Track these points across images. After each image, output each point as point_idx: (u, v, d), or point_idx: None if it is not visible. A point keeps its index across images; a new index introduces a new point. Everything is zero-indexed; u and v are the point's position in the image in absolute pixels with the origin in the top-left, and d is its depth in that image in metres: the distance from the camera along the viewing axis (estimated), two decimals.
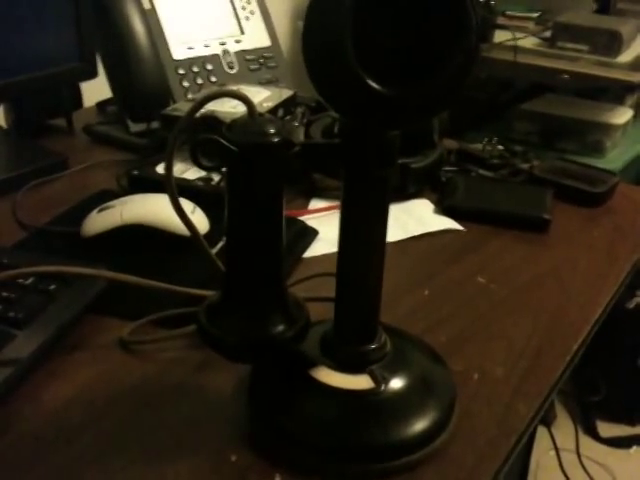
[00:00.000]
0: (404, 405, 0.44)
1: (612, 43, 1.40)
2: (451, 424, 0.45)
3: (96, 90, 0.94)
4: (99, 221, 0.63)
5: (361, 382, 0.43)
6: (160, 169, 0.74)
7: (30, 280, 0.53)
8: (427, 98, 0.34)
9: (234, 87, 0.86)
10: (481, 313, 0.59)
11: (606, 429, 1.58)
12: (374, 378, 0.43)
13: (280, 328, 0.42)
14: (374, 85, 0.32)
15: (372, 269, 0.43)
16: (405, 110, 0.34)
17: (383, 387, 0.43)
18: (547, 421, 1.53)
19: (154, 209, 0.63)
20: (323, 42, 0.33)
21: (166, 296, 0.54)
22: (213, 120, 0.69)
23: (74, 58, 0.85)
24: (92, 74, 0.87)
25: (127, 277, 0.54)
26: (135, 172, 0.75)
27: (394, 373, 0.44)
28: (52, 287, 0.52)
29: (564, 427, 1.56)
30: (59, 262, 0.54)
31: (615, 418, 1.60)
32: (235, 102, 0.74)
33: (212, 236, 0.61)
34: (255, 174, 0.39)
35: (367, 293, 0.44)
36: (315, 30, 0.33)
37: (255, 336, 0.42)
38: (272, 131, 0.39)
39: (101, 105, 0.99)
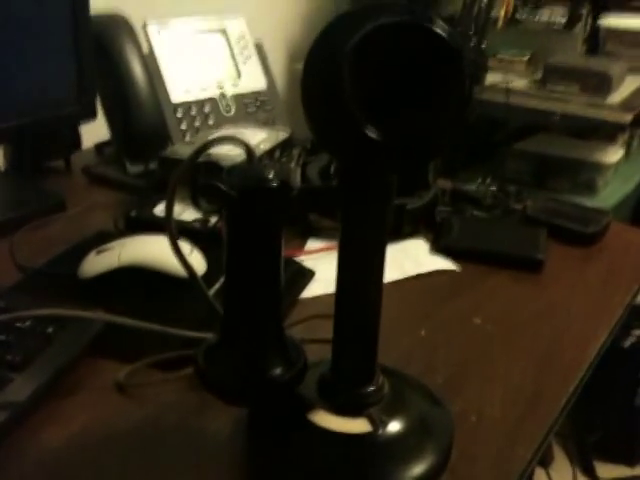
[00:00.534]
0: (402, 448, 0.43)
1: (602, 84, 1.43)
2: (449, 467, 0.45)
3: (94, 131, 0.96)
4: (97, 263, 0.63)
5: (359, 425, 0.43)
6: (158, 210, 0.75)
7: (28, 323, 0.53)
8: (424, 145, 0.34)
9: (232, 129, 0.88)
10: (478, 353, 0.59)
11: (605, 470, 1.57)
12: (372, 421, 0.43)
13: (278, 371, 0.42)
14: (372, 134, 0.33)
15: (370, 310, 0.44)
16: (402, 156, 0.35)
17: (381, 430, 0.43)
18: (545, 463, 1.51)
19: (152, 251, 0.63)
20: (322, 91, 0.34)
21: (163, 338, 0.54)
22: (211, 163, 0.70)
23: (74, 100, 0.86)
24: (91, 116, 0.89)
25: (124, 319, 0.54)
26: (133, 213, 0.75)
27: (392, 416, 0.44)
28: (49, 330, 0.53)
29: (562, 469, 1.54)
30: (56, 305, 0.54)
31: (613, 458, 1.58)
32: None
33: (209, 277, 0.61)
34: (255, 218, 0.39)
35: (365, 334, 0.44)
36: (314, 79, 0.34)
37: (253, 379, 0.43)
38: (271, 176, 0.39)
39: (99, 147, 1.01)
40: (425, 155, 0.36)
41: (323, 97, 0.34)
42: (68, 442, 0.47)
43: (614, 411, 1.55)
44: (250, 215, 0.39)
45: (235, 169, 0.40)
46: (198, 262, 0.64)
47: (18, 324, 0.52)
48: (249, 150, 0.41)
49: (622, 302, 0.69)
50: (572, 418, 1.58)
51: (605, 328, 0.64)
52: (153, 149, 0.85)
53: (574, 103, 1.40)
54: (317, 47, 0.34)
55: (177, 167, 0.43)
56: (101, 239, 0.68)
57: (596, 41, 1.67)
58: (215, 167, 0.68)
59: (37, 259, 0.68)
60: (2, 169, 0.92)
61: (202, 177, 0.40)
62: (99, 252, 0.64)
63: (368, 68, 0.33)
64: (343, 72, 0.32)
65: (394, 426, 0.44)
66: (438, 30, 0.32)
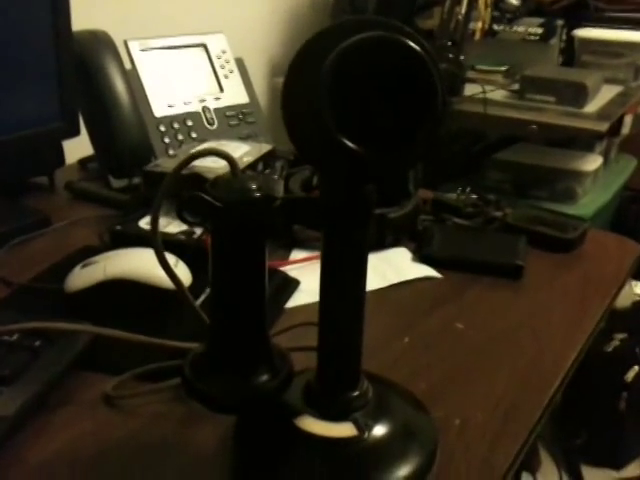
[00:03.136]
0: (387, 452, 0.44)
1: (578, 94, 1.45)
2: (433, 470, 0.46)
3: (77, 147, 0.96)
4: (83, 277, 0.64)
5: (344, 430, 0.44)
6: (143, 224, 0.75)
7: (15, 337, 0.53)
8: (401, 154, 0.36)
9: (214, 142, 0.89)
10: (460, 360, 0.60)
11: (591, 474, 1.58)
12: (357, 426, 0.44)
13: (264, 378, 0.43)
14: (350, 145, 0.34)
15: (353, 318, 0.45)
16: (380, 166, 0.36)
17: (366, 434, 0.44)
18: (532, 468, 1.52)
19: (137, 264, 0.64)
20: (302, 105, 0.35)
21: (150, 350, 0.55)
22: (195, 176, 0.71)
23: (56, 117, 0.86)
24: (74, 133, 0.89)
25: (111, 332, 0.54)
26: (118, 227, 0.76)
27: (377, 420, 0.45)
28: (37, 343, 0.53)
29: (549, 474, 1.55)
30: (43, 319, 0.54)
31: (599, 462, 1.60)
32: (216, 157, 0.76)
33: (195, 289, 0.62)
34: (239, 228, 0.40)
35: (348, 342, 0.45)
36: (294, 94, 0.36)
37: (240, 388, 0.43)
38: (254, 187, 0.40)
39: (83, 162, 1.01)
40: (402, 164, 0.38)
41: (303, 110, 0.36)
42: (56, 455, 0.47)
43: (599, 415, 1.56)
44: (235, 225, 0.40)
45: (219, 181, 0.41)
46: (184, 274, 0.64)
47: (5, 338, 0.53)
48: (232, 162, 0.42)
49: (601, 306, 0.71)
50: (558, 422, 1.59)
51: (585, 332, 0.66)
52: (137, 164, 0.85)
53: (551, 113, 1.43)
54: (297, 63, 0.36)
55: (161, 181, 0.43)
56: (86, 254, 0.69)
57: (572, 52, 1.70)
58: (199, 180, 0.69)
59: (23, 275, 0.68)
60: None
61: (186, 190, 0.40)
62: (84, 266, 0.64)
63: (346, 82, 0.34)
64: (321, 86, 0.33)
65: (379, 430, 0.44)
66: (411, 44, 0.33)
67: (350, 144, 0.34)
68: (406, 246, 0.79)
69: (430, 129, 0.34)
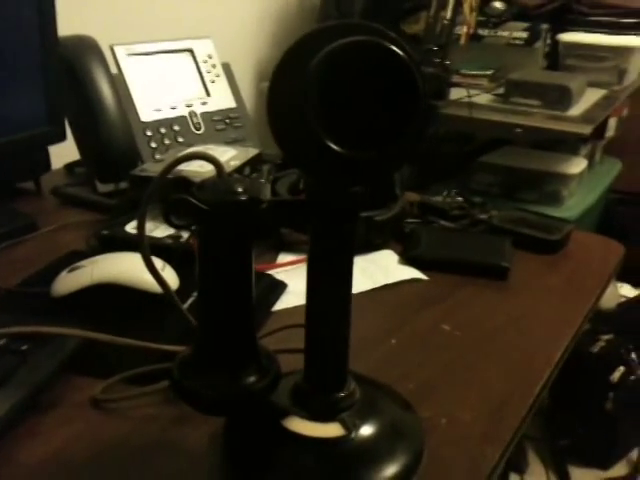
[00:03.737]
0: (374, 451, 0.45)
1: (562, 97, 1.47)
2: (420, 469, 0.46)
3: (63, 152, 0.96)
4: (70, 281, 0.64)
5: (332, 430, 0.44)
6: (129, 228, 0.75)
7: (2, 341, 0.53)
8: (385, 157, 0.36)
9: (201, 147, 0.89)
10: (448, 360, 0.61)
11: (578, 474, 1.59)
12: (344, 425, 0.44)
13: (252, 380, 0.43)
14: (335, 147, 0.34)
15: (339, 320, 0.45)
16: (365, 168, 0.37)
17: (353, 434, 0.44)
18: (520, 469, 1.53)
19: (125, 268, 0.64)
20: (287, 106, 0.36)
21: (138, 353, 0.55)
22: (182, 180, 0.71)
23: (42, 122, 0.86)
24: (60, 137, 0.89)
25: (99, 335, 0.54)
26: (105, 232, 0.76)
27: (364, 420, 0.45)
28: (25, 347, 0.53)
29: (537, 474, 1.56)
30: (31, 322, 0.54)
31: (587, 463, 1.61)
32: (202, 161, 0.76)
33: (182, 293, 0.62)
34: (225, 231, 0.40)
35: (335, 343, 0.45)
36: (279, 95, 0.36)
37: (228, 389, 0.43)
38: (240, 190, 0.41)
39: (69, 167, 1.01)
40: (388, 167, 0.38)
41: (288, 114, 0.36)
42: (46, 460, 0.47)
43: (586, 415, 1.57)
44: (221, 227, 0.40)
45: (205, 184, 0.41)
46: (171, 278, 0.65)
47: None
48: (218, 165, 0.42)
49: (586, 306, 0.71)
50: (545, 423, 1.60)
51: (570, 331, 0.66)
52: (123, 168, 0.85)
53: (536, 116, 1.44)
54: (283, 65, 0.36)
55: (148, 185, 0.44)
56: (73, 258, 0.68)
57: (556, 56, 1.72)
58: (186, 184, 0.69)
59: (10, 279, 0.68)
60: None
61: (173, 193, 0.41)
62: (72, 270, 0.64)
63: (330, 85, 0.34)
64: (306, 89, 0.33)
65: (366, 430, 0.45)
66: (394, 47, 0.34)
67: (336, 147, 0.34)
68: (393, 248, 0.80)
69: (414, 131, 0.35)
